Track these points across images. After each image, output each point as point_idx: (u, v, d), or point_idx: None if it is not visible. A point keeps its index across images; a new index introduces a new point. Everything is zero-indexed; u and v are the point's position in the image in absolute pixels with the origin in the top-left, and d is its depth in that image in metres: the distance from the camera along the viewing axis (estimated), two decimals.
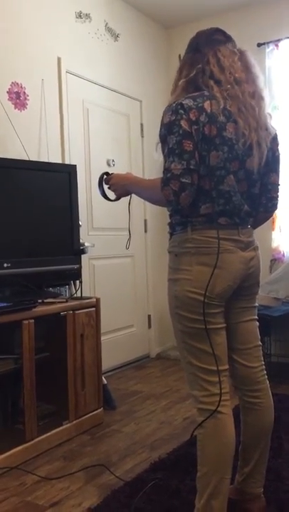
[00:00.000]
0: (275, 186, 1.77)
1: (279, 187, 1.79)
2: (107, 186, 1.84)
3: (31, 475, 2.27)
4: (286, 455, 2.32)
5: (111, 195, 1.85)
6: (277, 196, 1.79)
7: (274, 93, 4.08)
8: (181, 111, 1.54)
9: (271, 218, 1.89)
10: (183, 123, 1.53)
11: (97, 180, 1.87)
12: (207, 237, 1.60)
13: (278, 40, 4.11)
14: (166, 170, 1.53)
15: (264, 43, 4.13)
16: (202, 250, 1.60)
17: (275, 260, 4.09)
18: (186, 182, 1.51)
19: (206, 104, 1.56)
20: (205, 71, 1.64)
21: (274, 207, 1.80)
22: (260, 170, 1.69)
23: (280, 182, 1.81)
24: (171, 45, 4.68)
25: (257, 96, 1.64)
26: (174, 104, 1.57)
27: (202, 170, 1.56)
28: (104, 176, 1.85)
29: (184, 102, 1.55)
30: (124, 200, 1.91)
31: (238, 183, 1.63)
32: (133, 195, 1.82)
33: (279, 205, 1.84)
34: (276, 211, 1.88)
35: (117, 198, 1.86)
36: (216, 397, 1.60)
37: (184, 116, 1.53)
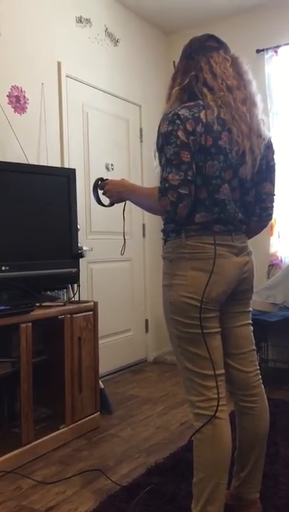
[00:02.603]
0: (269, 196, 1.77)
1: (274, 197, 1.79)
2: (102, 192, 1.85)
3: (27, 479, 2.26)
4: (283, 461, 2.31)
5: (105, 200, 1.86)
6: (272, 206, 1.79)
7: (273, 99, 4.10)
8: (178, 121, 1.55)
9: (269, 224, 1.89)
10: (180, 133, 1.54)
11: (92, 185, 1.89)
12: (201, 243, 1.61)
13: (277, 47, 4.12)
14: (164, 180, 1.54)
15: (263, 50, 4.15)
16: (196, 256, 1.61)
17: (273, 266, 4.09)
18: (184, 193, 1.52)
19: (202, 114, 1.57)
20: (198, 78, 1.65)
21: (268, 217, 1.80)
22: (254, 178, 1.69)
23: (279, 190, 1.81)
24: (171, 50, 4.69)
25: (249, 102, 1.64)
26: (170, 115, 1.58)
27: (198, 180, 1.57)
28: (99, 182, 1.86)
29: (180, 113, 1.56)
30: (121, 205, 1.92)
31: (232, 191, 1.64)
32: (128, 201, 1.82)
33: (278, 211, 1.84)
34: (275, 217, 1.88)
35: (111, 204, 1.86)
36: (212, 402, 1.60)
37: (180, 126, 1.54)
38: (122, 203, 1.87)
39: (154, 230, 4.42)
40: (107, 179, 1.85)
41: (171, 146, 1.54)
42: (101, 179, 1.86)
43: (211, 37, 1.72)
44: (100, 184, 1.85)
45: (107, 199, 1.84)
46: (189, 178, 1.53)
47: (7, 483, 2.24)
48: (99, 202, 1.89)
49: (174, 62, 1.77)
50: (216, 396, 1.60)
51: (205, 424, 1.59)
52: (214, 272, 1.58)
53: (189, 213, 1.59)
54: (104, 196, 1.85)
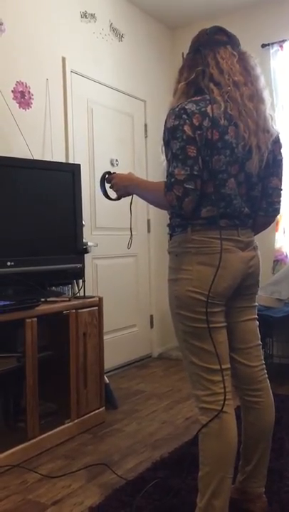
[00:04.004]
0: (276, 191, 1.76)
1: (281, 192, 1.78)
2: (109, 186, 1.85)
3: (33, 473, 2.27)
4: (288, 456, 2.32)
5: (112, 194, 1.86)
6: (280, 201, 1.78)
7: (279, 94, 4.09)
8: (185, 116, 1.54)
9: (275, 220, 1.87)
10: (186, 128, 1.53)
11: (99, 179, 1.89)
12: (208, 238, 1.61)
13: (283, 41, 4.11)
14: (170, 175, 1.54)
15: (268, 44, 4.13)
16: (203, 250, 1.61)
17: (278, 261, 4.09)
18: (190, 188, 1.52)
19: (209, 109, 1.56)
20: (205, 73, 1.64)
21: (275, 211, 1.78)
22: (260, 173, 1.68)
23: (285, 184, 1.79)
24: (176, 45, 4.69)
25: (256, 98, 1.63)
26: (177, 109, 1.57)
27: (205, 174, 1.57)
28: (106, 175, 1.86)
29: (186, 107, 1.56)
30: (128, 199, 1.92)
31: (238, 186, 1.63)
32: (134, 195, 1.82)
33: (283, 207, 1.82)
34: (281, 213, 1.86)
35: (118, 198, 1.86)
36: (218, 397, 1.60)
37: (187, 121, 1.54)
38: (129, 197, 1.87)
39: (159, 226, 4.42)
40: (114, 173, 1.85)
41: (177, 140, 1.54)
42: (108, 173, 1.86)
43: (220, 30, 1.70)
44: (107, 178, 1.85)
45: (114, 193, 1.84)
46: (195, 172, 1.53)
47: (13, 477, 2.25)
48: (106, 195, 1.89)
49: (182, 53, 1.76)
50: (221, 390, 1.60)
51: (212, 419, 1.59)
52: (220, 267, 1.58)
53: (195, 208, 1.58)
54: (111, 190, 1.85)
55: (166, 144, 1.60)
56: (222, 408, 1.58)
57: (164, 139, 1.62)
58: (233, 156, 1.59)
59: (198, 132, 1.54)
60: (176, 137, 1.55)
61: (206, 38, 1.68)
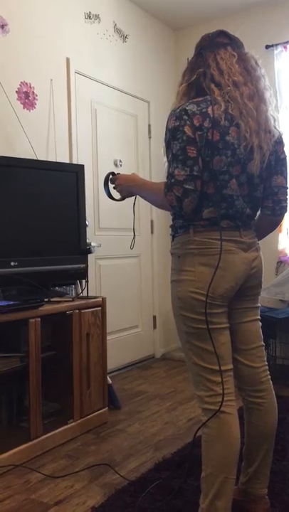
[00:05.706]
0: (282, 189, 1.75)
1: (287, 190, 1.77)
2: (113, 186, 1.86)
3: (36, 473, 2.28)
4: None
5: (116, 195, 1.87)
6: (286, 199, 1.77)
7: (283, 94, 4.08)
8: (185, 117, 1.55)
9: (282, 219, 1.86)
10: (187, 129, 1.54)
11: (103, 179, 1.89)
12: (209, 239, 1.61)
13: (287, 42, 4.10)
14: (170, 175, 1.55)
15: (272, 45, 4.13)
16: (204, 251, 1.61)
17: (281, 262, 4.08)
18: (190, 188, 1.53)
19: (210, 109, 1.57)
20: (206, 74, 1.65)
21: (282, 210, 1.78)
22: (262, 173, 1.68)
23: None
24: (180, 46, 4.69)
25: (256, 98, 1.63)
26: (178, 110, 1.58)
27: (205, 175, 1.57)
28: (110, 176, 1.87)
29: (187, 108, 1.56)
30: (132, 200, 1.92)
31: (240, 186, 1.63)
32: (138, 196, 1.83)
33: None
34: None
35: (122, 198, 1.87)
36: (221, 397, 1.60)
37: (187, 122, 1.55)
38: (133, 198, 1.87)
39: (162, 227, 4.43)
40: (118, 173, 1.86)
41: (178, 141, 1.55)
42: (112, 173, 1.87)
43: (222, 33, 1.71)
44: (111, 178, 1.86)
45: (118, 193, 1.85)
46: (195, 173, 1.53)
47: (16, 476, 2.26)
48: (110, 196, 1.89)
49: (188, 59, 1.77)
50: (224, 391, 1.60)
51: (210, 418, 1.60)
52: (222, 268, 1.59)
53: (196, 209, 1.59)
54: (115, 190, 1.85)
55: (168, 144, 1.61)
56: (219, 408, 1.59)
57: (165, 140, 1.63)
58: (234, 157, 1.59)
59: (199, 133, 1.54)
60: (176, 138, 1.55)
61: (208, 41, 1.70)
